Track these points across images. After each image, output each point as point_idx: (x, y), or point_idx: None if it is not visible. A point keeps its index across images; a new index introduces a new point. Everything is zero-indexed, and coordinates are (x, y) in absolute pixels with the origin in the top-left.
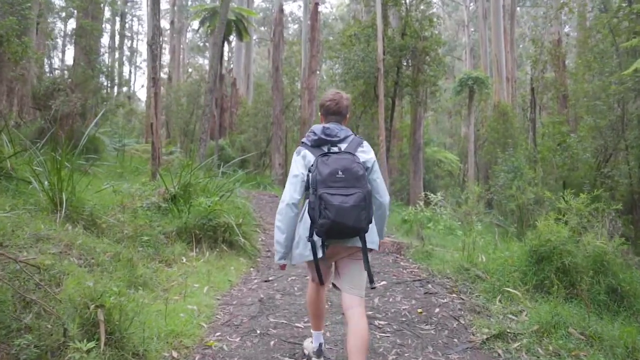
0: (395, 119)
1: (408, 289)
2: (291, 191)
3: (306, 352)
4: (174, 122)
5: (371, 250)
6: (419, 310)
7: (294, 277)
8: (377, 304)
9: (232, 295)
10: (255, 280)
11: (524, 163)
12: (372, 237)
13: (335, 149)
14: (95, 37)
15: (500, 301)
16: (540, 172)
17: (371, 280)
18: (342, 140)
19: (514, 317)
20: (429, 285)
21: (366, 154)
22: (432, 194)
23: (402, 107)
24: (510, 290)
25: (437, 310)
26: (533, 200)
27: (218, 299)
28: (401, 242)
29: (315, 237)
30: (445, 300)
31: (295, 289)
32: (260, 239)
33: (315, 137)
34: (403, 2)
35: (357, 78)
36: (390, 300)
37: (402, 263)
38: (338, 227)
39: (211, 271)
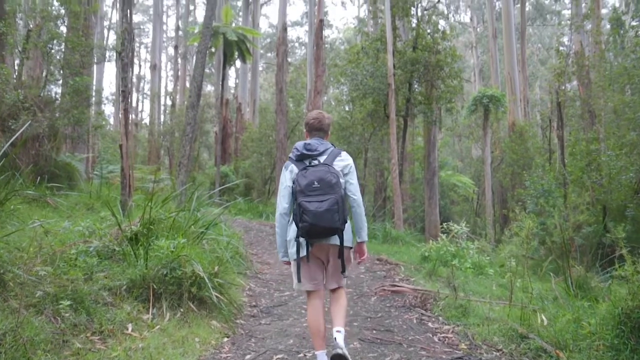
0: (407, 141)
1: None
2: (282, 202)
3: None
4: (176, 148)
5: (349, 248)
6: None
7: (281, 356)
8: None
9: None
10: None
11: (555, 186)
12: (347, 236)
13: (315, 162)
14: (69, 50)
15: None
16: (586, 197)
17: (343, 270)
18: (321, 154)
19: None
20: None
21: (343, 161)
22: (454, 225)
23: (414, 128)
24: None
25: None
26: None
27: None
28: (426, 292)
29: (301, 239)
30: None
31: None
32: (247, 288)
33: (298, 153)
34: (413, 13)
35: (366, 96)
36: None
37: (430, 324)
38: (316, 229)
39: (164, 348)
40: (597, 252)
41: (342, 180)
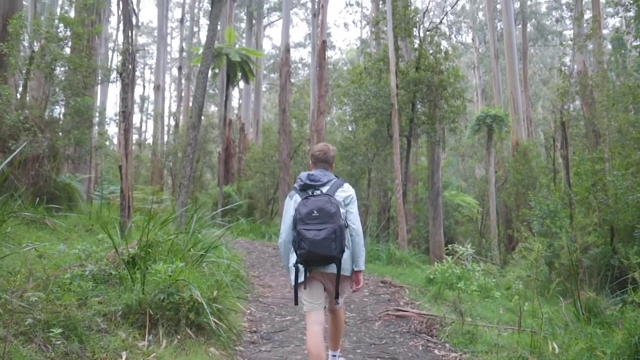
0: (410, 161)
1: None
2: (285, 229)
3: None
4: (178, 168)
5: (347, 277)
6: None
7: None
8: None
9: None
10: None
11: (560, 206)
12: (346, 265)
13: (317, 192)
14: (72, 70)
15: None
16: (593, 218)
17: (336, 297)
18: (324, 184)
19: None
20: None
21: (345, 192)
22: (459, 246)
23: (417, 148)
24: None
25: None
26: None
27: None
28: (431, 317)
29: (299, 266)
30: None
31: None
32: (247, 313)
33: (302, 183)
34: (415, 33)
35: (369, 116)
36: None
37: (436, 351)
38: (312, 256)
39: None
40: (605, 274)
41: (342, 210)
